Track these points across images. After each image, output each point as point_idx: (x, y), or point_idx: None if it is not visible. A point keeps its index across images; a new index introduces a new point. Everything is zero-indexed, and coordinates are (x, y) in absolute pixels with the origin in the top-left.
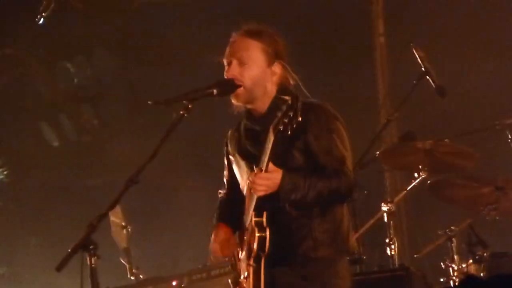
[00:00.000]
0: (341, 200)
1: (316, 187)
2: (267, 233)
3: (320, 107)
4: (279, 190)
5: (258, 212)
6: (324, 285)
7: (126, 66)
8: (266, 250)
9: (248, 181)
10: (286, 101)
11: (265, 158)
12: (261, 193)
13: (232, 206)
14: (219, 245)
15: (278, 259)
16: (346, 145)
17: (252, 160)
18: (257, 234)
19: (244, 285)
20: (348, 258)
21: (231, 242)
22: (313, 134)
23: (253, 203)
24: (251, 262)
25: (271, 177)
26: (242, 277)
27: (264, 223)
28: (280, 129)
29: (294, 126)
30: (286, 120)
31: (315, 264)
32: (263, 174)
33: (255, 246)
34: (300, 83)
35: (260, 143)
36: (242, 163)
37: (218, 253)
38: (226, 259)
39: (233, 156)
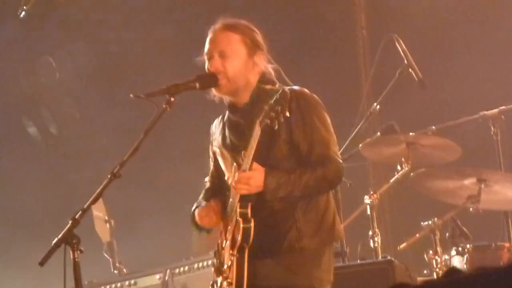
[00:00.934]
0: (330, 187)
1: (302, 179)
2: (252, 224)
3: (301, 93)
4: (264, 190)
5: (243, 203)
6: (307, 277)
7: (107, 59)
8: (250, 241)
9: (231, 180)
10: (267, 91)
11: (250, 155)
12: (244, 193)
13: (217, 195)
14: (205, 211)
15: (262, 250)
16: (330, 129)
17: (236, 152)
18: (241, 225)
19: (227, 274)
20: (333, 248)
21: (215, 213)
22: (295, 122)
23: (238, 194)
24: (235, 252)
25: (253, 177)
26: (225, 266)
27: (249, 215)
28: (267, 123)
29: (282, 120)
30: (273, 115)
31: (299, 255)
32: (245, 174)
33: (239, 237)
34: (281, 72)
35: (244, 135)
36: (227, 155)
37: (201, 217)
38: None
39: (218, 147)
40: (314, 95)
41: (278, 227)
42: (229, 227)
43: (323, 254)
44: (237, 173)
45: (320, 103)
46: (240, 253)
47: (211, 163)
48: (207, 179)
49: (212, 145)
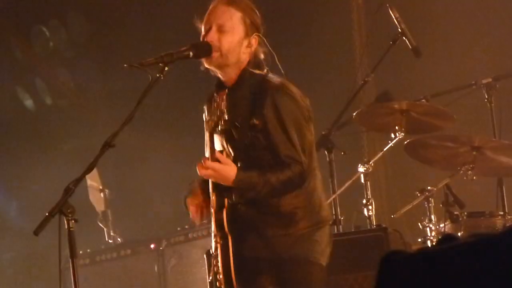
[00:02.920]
0: (293, 189)
1: (270, 182)
2: (224, 215)
3: (280, 89)
4: (234, 188)
5: (217, 192)
6: (295, 262)
7: (102, 28)
8: (226, 230)
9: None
10: (254, 75)
11: (208, 148)
12: (210, 179)
13: None
14: (194, 208)
15: (247, 237)
16: (303, 131)
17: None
18: (213, 216)
19: (216, 260)
20: (326, 228)
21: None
22: (269, 116)
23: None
24: (218, 239)
25: (220, 170)
26: (212, 252)
27: (225, 203)
28: (211, 125)
29: (222, 123)
30: (214, 118)
31: (285, 242)
32: (211, 164)
33: (213, 226)
34: (275, 57)
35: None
36: (216, 135)
37: (192, 213)
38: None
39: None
40: (292, 90)
41: (262, 214)
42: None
43: (311, 237)
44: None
45: (296, 100)
46: (223, 239)
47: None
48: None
49: (205, 123)
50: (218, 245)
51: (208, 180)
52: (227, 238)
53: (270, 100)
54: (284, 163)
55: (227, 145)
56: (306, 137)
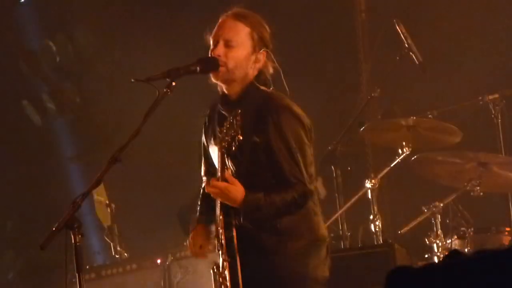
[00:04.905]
0: (296, 209)
1: (275, 203)
2: (234, 234)
3: (283, 109)
4: (242, 210)
5: (225, 211)
6: (293, 280)
7: (108, 43)
8: (235, 248)
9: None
10: (259, 92)
11: (218, 167)
12: (217, 198)
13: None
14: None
15: (248, 253)
16: (304, 150)
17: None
18: (225, 234)
19: (223, 278)
20: (323, 247)
21: (203, 242)
22: (273, 136)
23: (218, 202)
24: (226, 257)
25: (228, 190)
26: (220, 269)
27: (232, 223)
28: (225, 146)
29: (237, 143)
30: (228, 139)
31: (284, 259)
32: (219, 184)
33: (223, 242)
34: (281, 73)
35: None
36: (215, 149)
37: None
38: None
39: (209, 138)
40: (295, 110)
41: (261, 231)
42: (220, 230)
43: (310, 253)
44: (212, 179)
45: (299, 119)
46: (232, 258)
47: (203, 157)
48: (203, 172)
49: (203, 134)
50: (226, 263)
51: (212, 206)
52: (235, 257)
53: (273, 119)
54: (288, 182)
55: (228, 160)
56: (308, 156)
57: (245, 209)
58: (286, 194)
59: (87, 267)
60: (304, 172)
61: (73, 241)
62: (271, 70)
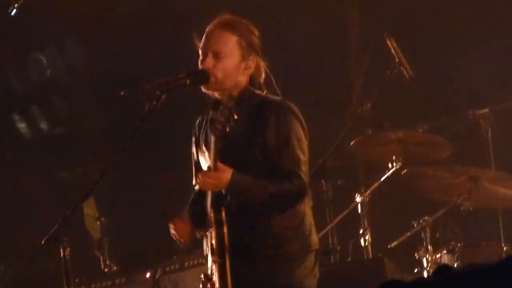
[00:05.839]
0: (291, 202)
1: (266, 188)
2: (225, 230)
3: (282, 106)
4: (226, 190)
5: (216, 208)
6: (286, 283)
7: (98, 56)
8: (226, 246)
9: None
10: (255, 95)
11: (212, 157)
12: (208, 188)
13: (201, 202)
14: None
15: (239, 256)
16: (303, 148)
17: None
18: (215, 231)
19: (213, 280)
20: (313, 254)
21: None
22: (270, 134)
23: (209, 199)
24: (215, 258)
25: (218, 176)
26: (209, 271)
27: (223, 219)
28: (218, 128)
29: (231, 123)
30: (222, 120)
31: (276, 262)
32: (210, 173)
33: (213, 242)
34: (272, 79)
35: None
36: (206, 154)
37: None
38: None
39: (199, 147)
40: (294, 109)
41: (254, 233)
42: (211, 231)
43: (301, 259)
44: (203, 171)
45: (298, 118)
46: (221, 258)
47: (194, 165)
48: (194, 182)
49: (193, 144)
50: (215, 265)
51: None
52: (225, 258)
53: (272, 118)
54: (284, 175)
55: (223, 161)
56: (306, 154)
57: (231, 187)
58: (282, 184)
59: (76, 280)
60: (303, 168)
61: (61, 255)
62: (263, 75)
